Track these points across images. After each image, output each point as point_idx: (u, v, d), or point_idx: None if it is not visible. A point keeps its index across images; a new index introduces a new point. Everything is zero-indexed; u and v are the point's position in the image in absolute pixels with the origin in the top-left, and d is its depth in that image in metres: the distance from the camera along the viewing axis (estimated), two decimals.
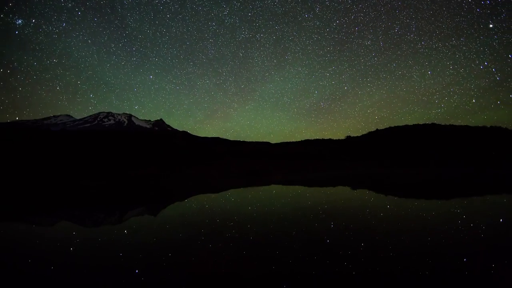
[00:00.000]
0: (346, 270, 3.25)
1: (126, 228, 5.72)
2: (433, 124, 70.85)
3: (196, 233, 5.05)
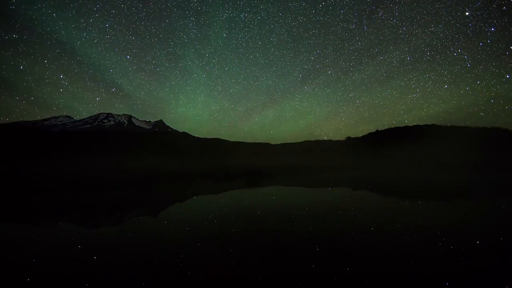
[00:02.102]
0: (351, 271, 3.23)
1: (126, 230, 5.69)
2: (433, 125, 71.01)
3: (197, 235, 5.03)
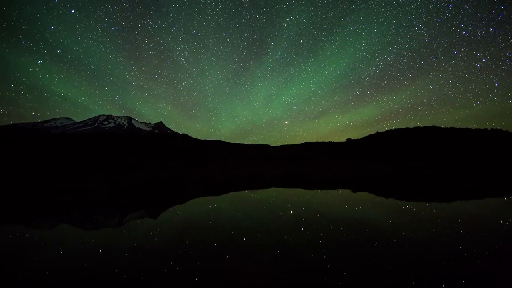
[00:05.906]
0: (353, 275, 3.19)
1: (126, 232, 5.65)
2: (434, 127, 71.21)
3: (198, 237, 4.98)
